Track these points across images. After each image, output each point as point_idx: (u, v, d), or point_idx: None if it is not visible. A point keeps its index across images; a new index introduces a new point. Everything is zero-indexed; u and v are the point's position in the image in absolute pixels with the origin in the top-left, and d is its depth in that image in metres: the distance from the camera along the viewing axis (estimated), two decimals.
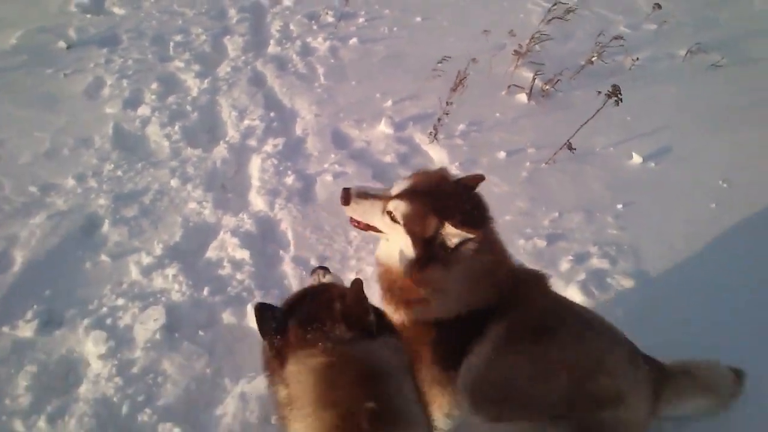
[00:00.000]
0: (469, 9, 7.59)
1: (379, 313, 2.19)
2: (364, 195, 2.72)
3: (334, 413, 1.75)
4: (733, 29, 7.08)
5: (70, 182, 4.69)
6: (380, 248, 2.84)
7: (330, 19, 7.28)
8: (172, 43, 6.69)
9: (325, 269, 2.82)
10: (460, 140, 5.20)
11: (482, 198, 2.67)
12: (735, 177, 4.80)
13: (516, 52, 6.09)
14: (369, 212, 2.69)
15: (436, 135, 5.15)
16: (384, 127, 5.31)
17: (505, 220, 4.29)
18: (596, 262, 4.06)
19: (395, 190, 2.66)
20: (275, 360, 2.02)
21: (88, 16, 7.22)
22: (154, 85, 5.89)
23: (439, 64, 5.64)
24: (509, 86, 5.87)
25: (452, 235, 2.45)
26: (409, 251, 2.56)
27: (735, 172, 4.84)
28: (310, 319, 1.99)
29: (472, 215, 2.54)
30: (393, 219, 2.59)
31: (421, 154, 5.10)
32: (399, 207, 2.56)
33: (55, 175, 4.77)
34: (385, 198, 2.66)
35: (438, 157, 5.03)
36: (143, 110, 5.54)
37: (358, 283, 1.99)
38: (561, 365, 2.56)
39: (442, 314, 2.60)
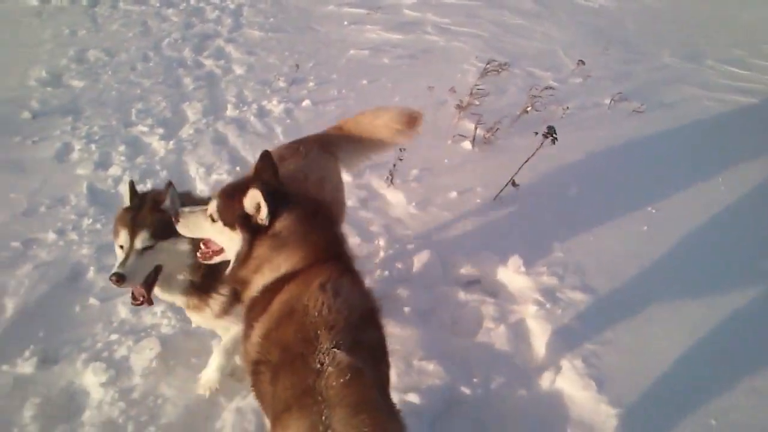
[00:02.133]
0: (410, 72, 8.19)
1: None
2: (191, 210, 2.93)
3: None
4: (647, 80, 7.91)
5: (52, 236, 4.93)
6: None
7: (282, 85, 7.75)
8: (134, 110, 7.04)
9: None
10: (414, 183, 5.67)
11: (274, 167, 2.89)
12: (661, 204, 5.40)
13: (458, 106, 6.68)
14: (198, 224, 2.88)
15: (392, 180, 5.60)
16: (343, 175, 5.72)
17: (461, 246, 4.83)
18: (546, 280, 4.53)
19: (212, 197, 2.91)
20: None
21: (48, 89, 7.52)
22: (121, 148, 6.22)
23: None
24: (454, 136, 6.42)
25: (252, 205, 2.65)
26: (236, 241, 2.71)
27: (662, 201, 5.44)
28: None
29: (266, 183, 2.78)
30: (213, 219, 2.78)
31: (380, 198, 5.53)
32: (212, 205, 2.79)
33: (35, 231, 5.00)
34: (206, 207, 2.88)
35: (395, 199, 5.48)
36: (114, 170, 5.85)
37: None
38: None
39: None
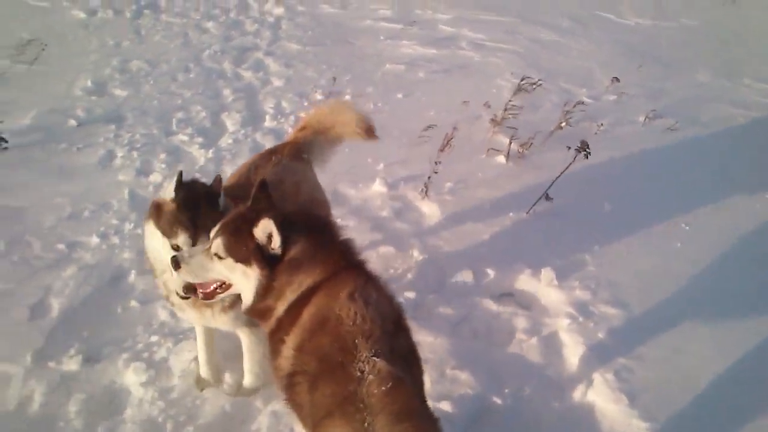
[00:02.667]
0: (444, 86, 8.29)
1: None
2: (190, 254, 2.88)
3: None
4: (682, 97, 7.94)
5: (95, 240, 5.07)
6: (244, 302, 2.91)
7: (319, 97, 7.88)
8: (174, 120, 7.21)
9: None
10: (448, 196, 5.74)
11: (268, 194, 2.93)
12: (695, 221, 5.43)
13: (492, 121, 6.77)
14: (203, 265, 2.83)
15: (426, 192, 5.68)
16: (378, 187, 5.84)
17: (495, 258, 4.92)
18: (579, 294, 4.57)
19: (212, 236, 2.86)
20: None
21: (93, 97, 7.73)
22: (162, 156, 6.38)
23: (425, 132, 6.23)
24: (488, 150, 6.49)
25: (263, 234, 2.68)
26: (253, 276, 2.74)
27: (695, 218, 5.47)
28: None
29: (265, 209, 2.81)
30: (221, 257, 2.77)
31: (414, 209, 5.61)
32: (217, 243, 2.76)
33: (79, 234, 5.15)
34: (207, 247, 2.85)
35: (429, 210, 5.55)
36: (155, 177, 6.01)
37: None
38: None
39: None
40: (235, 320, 3.45)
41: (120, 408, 3.71)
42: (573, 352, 4.11)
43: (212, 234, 2.84)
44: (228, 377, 3.90)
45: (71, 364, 3.94)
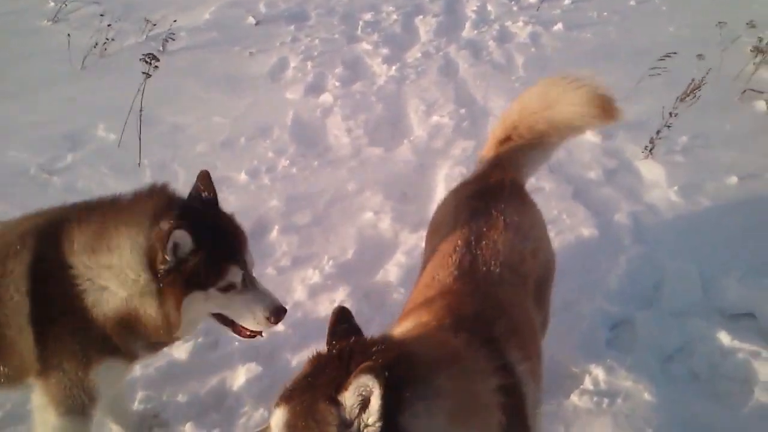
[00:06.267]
0: None
1: None
2: None
3: None
4: None
5: (243, 178, 4.60)
6: None
7: (532, 0, 6.71)
8: (361, 23, 6.70)
9: None
10: (681, 157, 4.54)
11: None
12: None
13: (755, 49, 5.34)
14: None
15: (652, 149, 4.43)
16: (589, 135, 4.64)
17: (735, 261, 3.69)
18: None
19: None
20: None
21: None
22: (338, 70, 5.86)
23: (660, 61, 4.85)
24: (744, 91, 5.15)
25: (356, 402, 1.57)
26: None
27: None
28: None
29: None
30: None
31: (633, 172, 4.51)
32: (276, 420, 1.69)
33: (229, 168, 4.69)
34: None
35: (652, 175, 4.40)
36: (325, 98, 5.49)
37: None
38: None
39: None
40: None
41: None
42: None
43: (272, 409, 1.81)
44: None
45: (181, 352, 3.35)
